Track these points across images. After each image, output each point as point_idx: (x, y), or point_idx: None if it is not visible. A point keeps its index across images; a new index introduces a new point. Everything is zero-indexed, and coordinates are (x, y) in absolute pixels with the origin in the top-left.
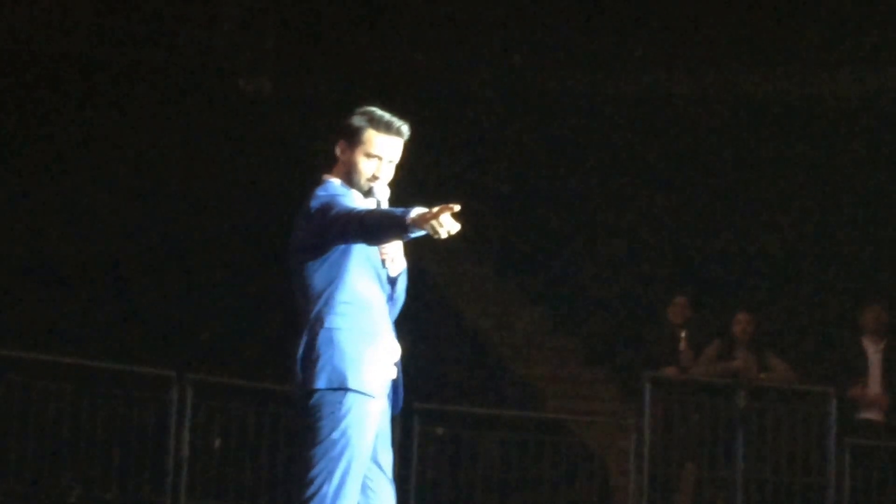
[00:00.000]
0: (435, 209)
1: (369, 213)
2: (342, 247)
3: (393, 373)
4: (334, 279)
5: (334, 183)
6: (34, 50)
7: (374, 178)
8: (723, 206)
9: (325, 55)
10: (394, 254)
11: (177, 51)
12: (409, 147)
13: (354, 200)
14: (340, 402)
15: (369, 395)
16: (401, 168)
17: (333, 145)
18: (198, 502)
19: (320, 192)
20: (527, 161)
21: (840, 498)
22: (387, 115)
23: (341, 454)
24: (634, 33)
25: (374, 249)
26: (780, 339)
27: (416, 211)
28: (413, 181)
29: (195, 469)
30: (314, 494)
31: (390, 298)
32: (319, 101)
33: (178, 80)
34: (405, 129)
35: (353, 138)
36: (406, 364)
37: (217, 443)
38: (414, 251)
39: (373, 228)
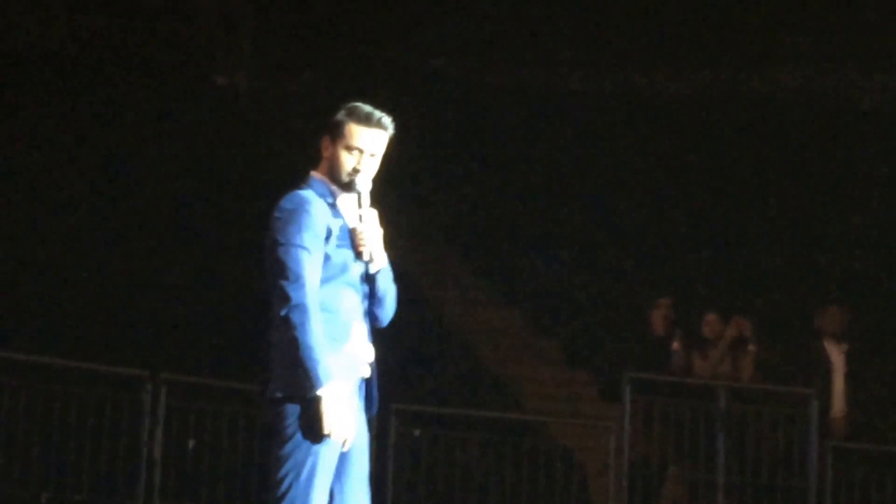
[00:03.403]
0: (331, 423)
1: (308, 330)
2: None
3: (365, 372)
4: None
5: (302, 194)
6: (7, 45)
7: (356, 171)
8: (702, 209)
9: (301, 51)
10: (372, 248)
11: (152, 46)
12: (390, 145)
13: (313, 225)
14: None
15: None
16: (382, 167)
17: (319, 143)
18: None
19: (285, 205)
20: (508, 162)
21: (822, 500)
22: (367, 108)
23: (307, 456)
24: (617, 33)
25: (343, 252)
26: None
27: (325, 402)
28: (394, 182)
29: (168, 470)
30: (284, 495)
31: (371, 296)
32: (296, 97)
33: (154, 75)
34: (386, 121)
35: (334, 133)
36: (384, 365)
37: (191, 443)
38: (394, 250)
39: (294, 337)
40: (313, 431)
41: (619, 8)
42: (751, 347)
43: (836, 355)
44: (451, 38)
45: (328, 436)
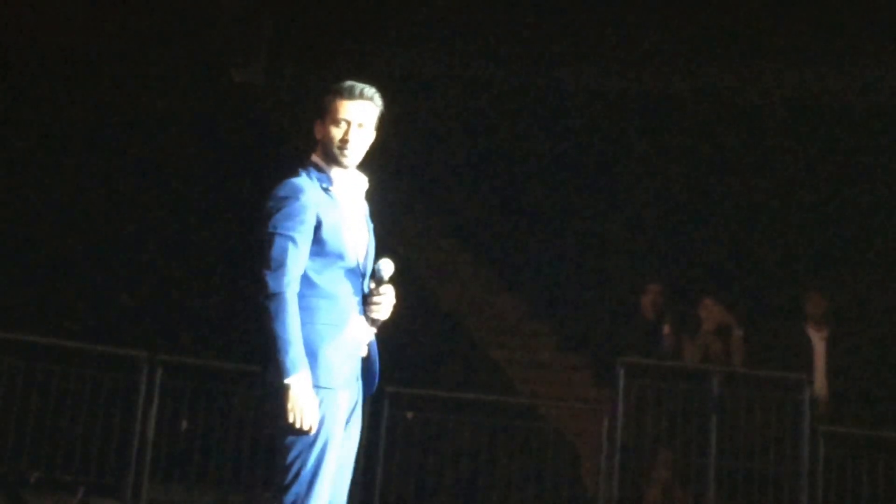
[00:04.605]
0: (303, 409)
1: (282, 319)
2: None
3: (364, 352)
4: None
5: (296, 181)
6: (24, 41)
7: (344, 141)
8: (695, 196)
9: (318, 48)
10: (381, 317)
11: (169, 40)
12: (393, 136)
13: (302, 214)
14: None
15: (332, 389)
16: (381, 154)
17: (313, 128)
18: (161, 486)
19: (277, 193)
20: (505, 151)
21: (814, 485)
22: (350, 82)
23: (314, 442)
24: (617, 31)
25: (339, 238)
26: (756, 326)
27: (294, 389)
28: (395, 170)
29: (160, 450)
30: (293, 481)
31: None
32: (311, 93)
33: (171, 70)
34: (369, 91)
35: (322, 112)
36: (379, 348)
37: (184, 425)
38: (391, 236)
39: (269, 326)
40: (282, 419)
41: (620, 8)
42: (737, 332)
43: (818, 340)
44: (465, 37)
45: (293, 425)
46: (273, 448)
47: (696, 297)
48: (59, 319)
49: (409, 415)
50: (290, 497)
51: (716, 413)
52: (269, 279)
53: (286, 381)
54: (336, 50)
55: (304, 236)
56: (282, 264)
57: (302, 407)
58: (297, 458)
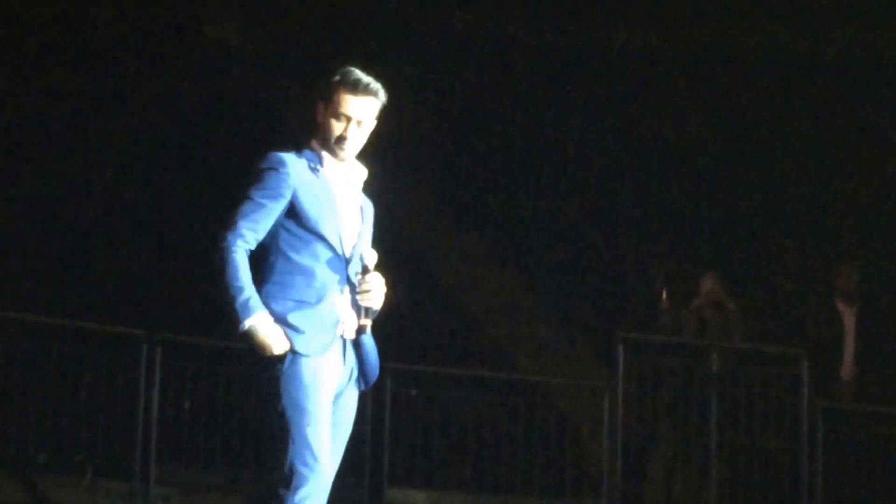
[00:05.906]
0: (269, 340)
1: (229, 271)
2: (277, 214)
3: (348, 334)
4: (271, 245)
5: (280, 154)
6: None
7: (342, 138)
8: (697, 166)
9: (294, 3)
10: (372, 304)
11: None
12: (384, 112)
13: (274, 182)
14: (278, 364)
15: (307, 355)
16: (378, 128)
17: (315, 108)
18: (168, 465)
19: (259, 164)
20: (501, 121)
21: (814, 461)
22: (357, 74)
23: (293, 413)
24: None
25: (320, 221)
26: (755, 301)
27: (257, 328)
28: (387, 141)
29: (165, 431)
30: (282, 454)
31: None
32: (288, 50)
33: (139, 25)
34: (375, 87)
35: (327, 99)
36: (379, 326)
37: (187, 404)
38: (388, 213)
39: (217, 280)
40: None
41: None
42: (730, 306)
43: (848, 316)
44: None
45: (273, 355)
46: (271, 426)
47: (698, 271)
48: (57, 297)
49: (413, 392)
50: (286, 468)
51: (716, 389)
52: (221, 234)
53: (246, 324)
54: (313, 6)
55: (271, 203)
56: (236, 223)
57: (267, 337)
58: (279, 429)
